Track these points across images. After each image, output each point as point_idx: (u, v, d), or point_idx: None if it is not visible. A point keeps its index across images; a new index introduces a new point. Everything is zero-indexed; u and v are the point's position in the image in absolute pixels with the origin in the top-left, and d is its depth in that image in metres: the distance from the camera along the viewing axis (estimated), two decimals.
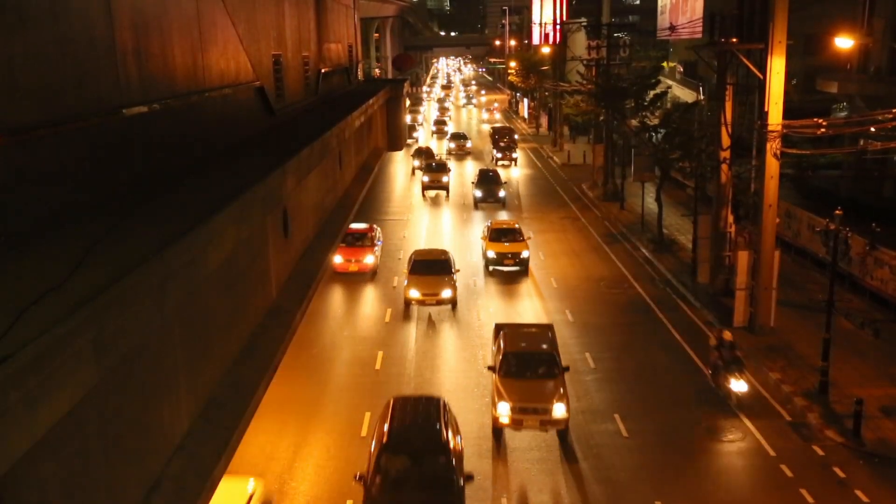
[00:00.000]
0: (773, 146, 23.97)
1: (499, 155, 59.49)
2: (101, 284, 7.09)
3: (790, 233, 32.46)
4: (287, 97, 22.61)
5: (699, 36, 45.63)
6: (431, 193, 48.83)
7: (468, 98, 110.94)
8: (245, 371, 11.85)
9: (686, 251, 33.63)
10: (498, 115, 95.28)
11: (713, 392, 21.51)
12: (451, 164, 56.34)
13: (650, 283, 31.20)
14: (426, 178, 48.32)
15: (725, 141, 27.77)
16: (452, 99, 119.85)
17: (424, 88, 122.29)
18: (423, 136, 74.35)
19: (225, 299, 11.46)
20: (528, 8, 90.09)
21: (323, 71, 29.74)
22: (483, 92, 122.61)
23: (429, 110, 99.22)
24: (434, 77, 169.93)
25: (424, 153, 56.85)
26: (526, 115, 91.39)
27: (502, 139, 61.60)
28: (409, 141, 56.33)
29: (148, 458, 8.52)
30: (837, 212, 20.51)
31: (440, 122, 78.90)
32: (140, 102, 11.38)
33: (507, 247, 32.73)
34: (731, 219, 28.30)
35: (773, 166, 24.42)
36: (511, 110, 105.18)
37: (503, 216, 42.38)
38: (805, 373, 22.13)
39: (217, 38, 15.41)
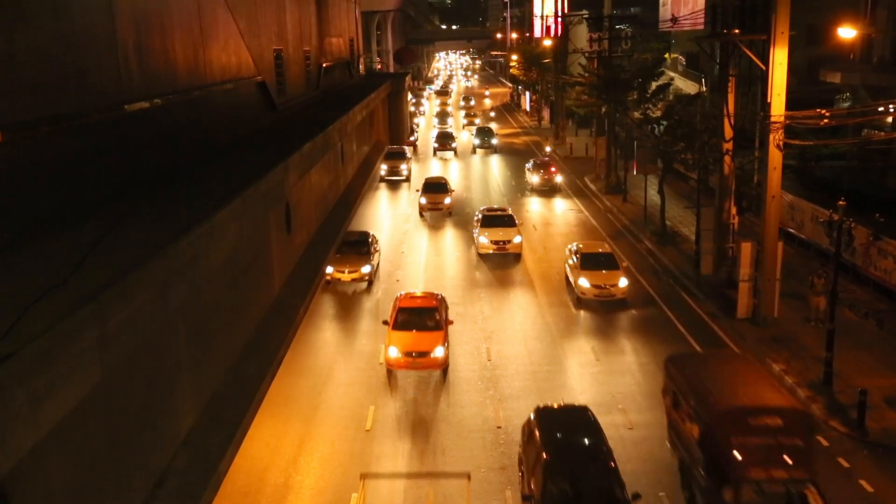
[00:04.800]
0: (775, 137, 23.90)
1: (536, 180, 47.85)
2: (104, 281, 7.09)
3: (793, 224, 32.39)
4: (289, 92, 22.59)
5: (701, 27, 45.45)
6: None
7: (469, 117, 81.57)
8: (249, 366, 11.86)
9: (689, 243, 33.56)
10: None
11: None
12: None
13: (653, 276, 31.16)
14: (424, 200, 41.38)
15: (728, 132, 27.70)
16: (451, 104, 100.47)
17: (423, 101, 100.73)
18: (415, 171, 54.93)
19: (228, 295, 11.46)
20: (530, 0, 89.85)
21: (324, 65, 29.70)
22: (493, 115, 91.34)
23: (427, 131, 75.47)
24: (431, 81, 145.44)
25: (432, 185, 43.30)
26: (528, 108, 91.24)
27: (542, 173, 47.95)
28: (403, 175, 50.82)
29: (153, 453, 8.53)
30: (841, 202, 20.46)
31: (443, 141, 63.19)
32: (142, 98, 11.37)
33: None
34: (734, 210, 28.24)
35: (775, 157, 24.36)
36: (513, 103, 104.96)
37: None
38: (809, 364, 22.11)
39: (218, 33, 15.39)
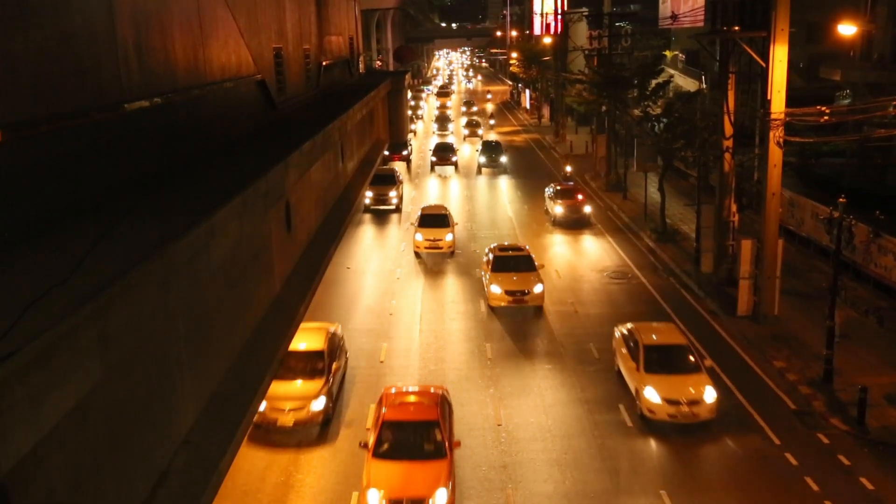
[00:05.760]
0: (775, 134, 23.91)
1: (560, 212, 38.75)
2: (104, 280, 7.10)
3: (794, 221, 32.40)
4: (288, 90, 22.59)
5: (701, 24, 45.46)
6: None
7: (472, 127, 70.66)
8: (250, 364, 11.86)
9: (689, 241, 33.58)
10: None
11: (717, 381, 21.59)
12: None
13: (653, 273, 31.17)
14: (420, 237, 33.39)
15: (728, 130, 27.71)
16: (452, 106, 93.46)
17: (421, 104, 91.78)
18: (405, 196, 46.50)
19: (229, 293, 11.46)
20: None
21: (324, 64, 29.71)
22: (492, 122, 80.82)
23: (425, 141, 68.40)
24: (429, 81, 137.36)
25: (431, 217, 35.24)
26: (528, 106, 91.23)
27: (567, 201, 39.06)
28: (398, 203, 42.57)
29: (154, 452, 8.53)
30: (841, 200, 20.46)
31: (442, 155, 55.21)
32: (141, 97, 11.36)
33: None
34: (734, 208, 28.26)
35: (776, 155, 24.36)
36: (513, 101, 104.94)
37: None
38: (809, 361, 22.12)
39: (218, 31, 15.38)
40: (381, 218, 41.28)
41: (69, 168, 9.42)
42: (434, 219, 34.27)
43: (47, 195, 8.97)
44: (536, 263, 28.12)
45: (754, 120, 31.49)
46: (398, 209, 42.05)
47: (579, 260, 33.82)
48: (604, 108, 48.13)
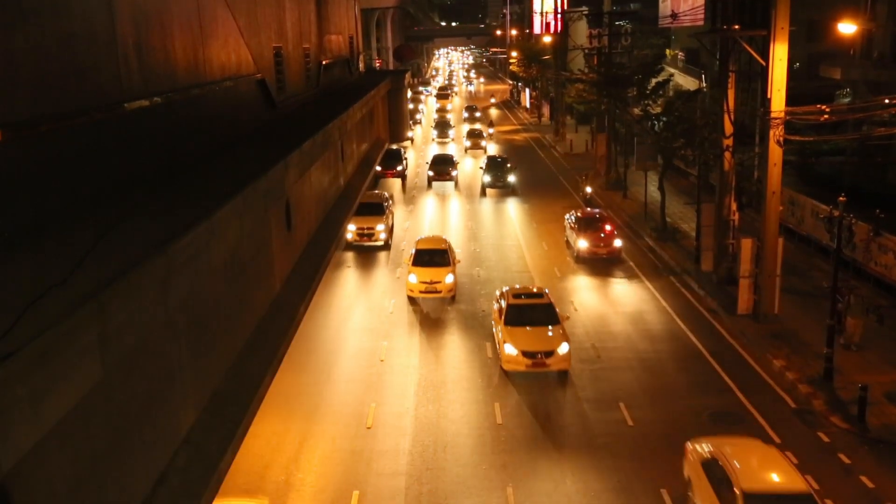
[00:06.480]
0: (776, 133, 23.91)
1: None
2: (104, 279, 7.10)
3: (794, 220, 32.40)
4: (288, 89, 22.60)
5: (701, 23, 45.45)
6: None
7: (475, 138, 62.22)
8: (250, 364, 11.87)
9: (689, 239, 33.58)
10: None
11: (718, 380, 21.60)
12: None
13: (654, 272, 31.17)
14: (414, 279, 27.67)
15: (728, 128, 27.71)
16: (452, 109, 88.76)
17: (419, 107, 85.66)
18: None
19: (229, 293, 11.47)
20: None
21: (324, 63, 29.70)
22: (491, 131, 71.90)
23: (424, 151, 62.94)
24: (428, 82, 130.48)
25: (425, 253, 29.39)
26: (528, 105, 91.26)
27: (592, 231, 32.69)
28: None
29: (154, 451, 8.54)
30: (841, 198, 20.47)
31: (441, 169, 48.85)
32: (141, 96, 11.37)
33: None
34: (734, 207, 28.27)
35: (776, 153, 24.36)
36: (513, 100, 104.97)
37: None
38: (809, 360, 22.13)
39: (218, 31, 15.38)
40: (365, 258, 33.61)
41: (69, 167, 9.42)
42: (431, 256, 28.47)
43: (47, 195, 8.98)
44: (560, 314, 23.20)
45: (754, 118, 31.50)
46: (387, 245, 34.75)
47: (616, 312, 26.93)
48: (603, 106, 48.12)
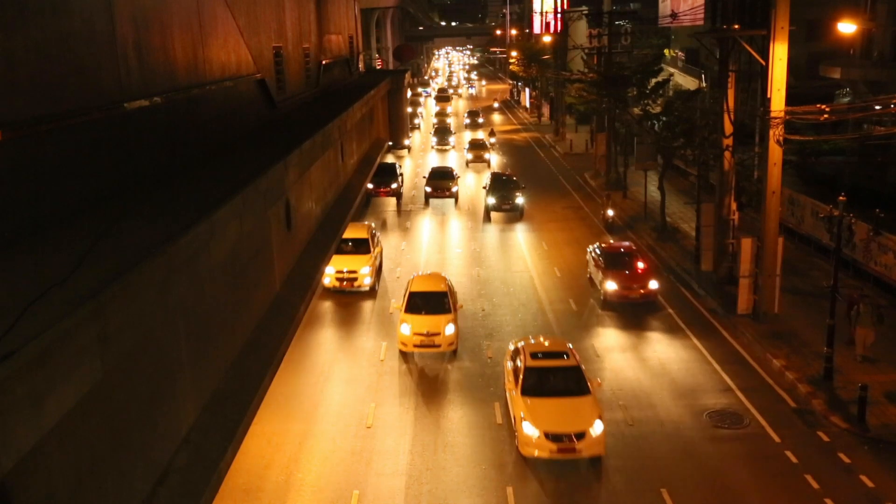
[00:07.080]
0: (775, 133, 23.91)
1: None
2: (104, 279, 7.10)
3: (794, 219, 32.41)
4: (288, 89, 22.60)
5: (701, 23, 45.45)
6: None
7: (477, 150, 55.95)
8: (250, 363, 11.87)
9: (689, 239, 33.58)
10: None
11: (717, 380, 21.59)
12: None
13: (654, 272, 31.14)
14: (407, 330, 22.82)
15: (728, 128, 27.71)
16: (452, 112, 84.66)
17: (418, 110, 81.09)
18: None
19: (229, 292, 11.47)
20: None
21: (324, 62, 29.67)
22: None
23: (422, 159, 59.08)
24: (427, 83, 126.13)
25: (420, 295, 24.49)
26: (528, 105, 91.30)
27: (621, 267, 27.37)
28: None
29: (154, 451, 8.54)
30: (841, 198, 20.47)
31: (439, 184, 43.89)
32: (141, 96, 11.37)
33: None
34: (734, 206, 28.27)
35: (776, 153, 24.36)
36: (512, 100, 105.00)
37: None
38: (809, 359, 22.13)
39: (217, 30, 15.39)
40: (346, 307, 27.26)
41: (69, 167, 9.42)
42: (428, 300, 23.61)
43: (47, 194, 8.98)
44: (588, 383, 18.59)
45: (754, 118, 31.51)
46: (372, 291, 28.54)
47: (651, 376, 21.88)
48: (603, 106, 48.13)
